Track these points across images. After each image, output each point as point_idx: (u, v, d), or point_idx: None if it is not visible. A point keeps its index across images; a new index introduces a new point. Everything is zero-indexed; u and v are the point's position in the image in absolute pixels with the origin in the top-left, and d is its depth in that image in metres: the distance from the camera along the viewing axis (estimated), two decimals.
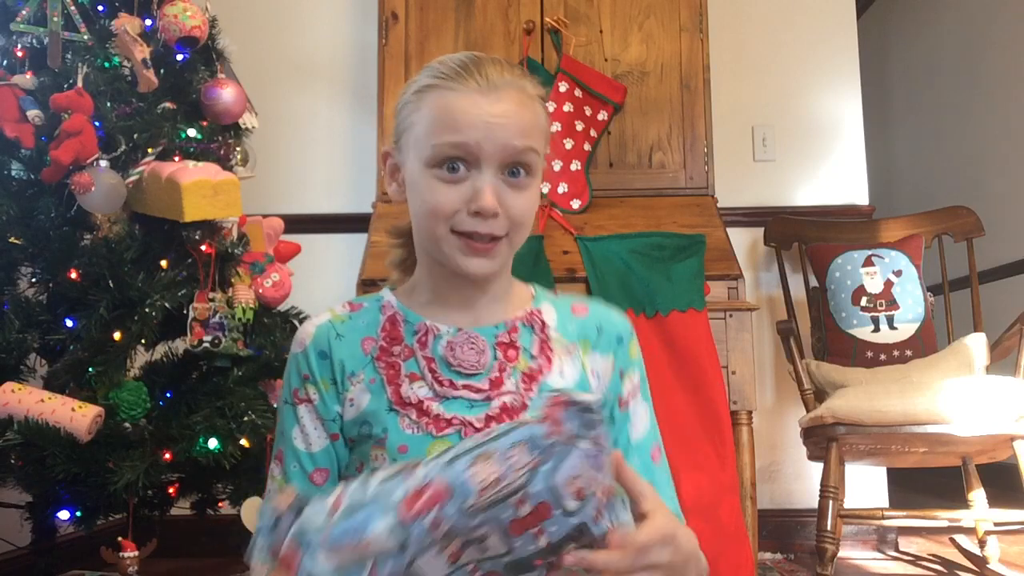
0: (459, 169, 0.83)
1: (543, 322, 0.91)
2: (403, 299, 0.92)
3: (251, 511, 1.67)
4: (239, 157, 2.06)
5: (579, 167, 2.36)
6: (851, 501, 2.48)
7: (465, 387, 0.85)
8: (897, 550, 2.60)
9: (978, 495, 2.25)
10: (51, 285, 1.70)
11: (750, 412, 2.08)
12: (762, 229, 2.66)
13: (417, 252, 0.93)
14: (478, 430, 0.82)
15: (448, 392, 0.84)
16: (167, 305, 1.63)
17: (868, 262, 2.42)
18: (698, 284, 2.09)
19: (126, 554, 1.63)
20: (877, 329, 2.36)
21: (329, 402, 0.87)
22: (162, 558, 1.96)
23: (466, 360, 0.86)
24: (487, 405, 0.84)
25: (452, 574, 0.67)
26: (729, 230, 2.31)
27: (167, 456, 1.56)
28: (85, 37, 1.78)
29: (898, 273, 2.40)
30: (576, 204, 2.33)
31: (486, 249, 0.84)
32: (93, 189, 1.59)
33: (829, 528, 2.01)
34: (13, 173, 1.69)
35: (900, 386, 2.03)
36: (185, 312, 1.69)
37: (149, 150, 1.72)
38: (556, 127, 2.36)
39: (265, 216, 2.05)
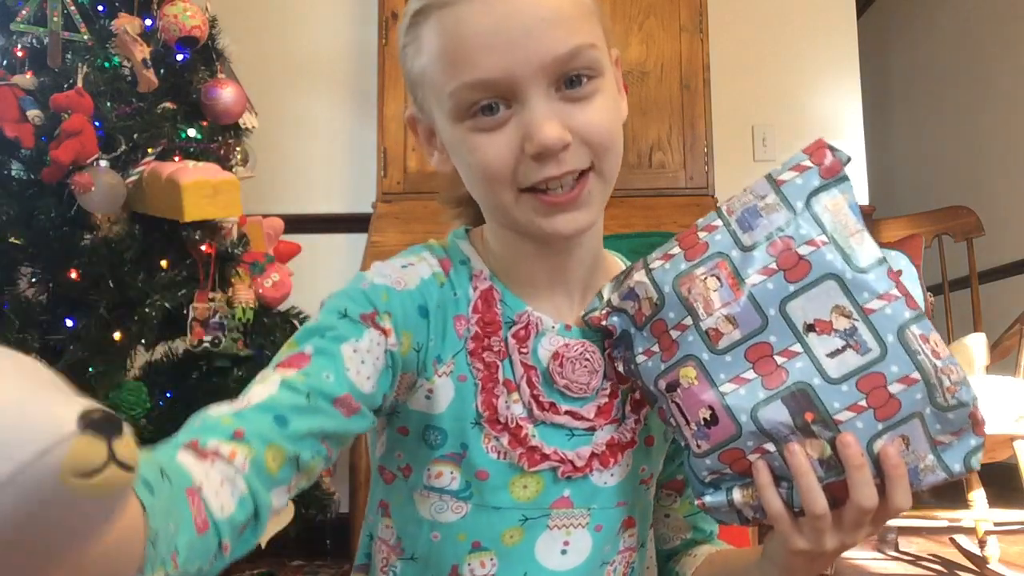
0: (498, 109, 0.60)
1: None
2: (492, 268, 0.70)
3: None
4: (239, 157, 2.06)
5: None
6: None
7: (568, 413, 0.67)
8: (897, 550, 2.59)
9: (978, 495, 2.24)
10: (51, 285, 1.70)
11: None
12: None
13: (487, 222, 0.71)
14: (577, 469, 0.66)
15: (547, 418, 0.66)
16: (167, 305, 1.64)
17: None
18: None
19: None
20: None
21: (399, 363, 0.64)
22: None
23: (576, 382, 0.67)
24: (590, 438, 0.67)
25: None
26: None
27: None
28: (85, 37, 1.78)
29: (898, 273, 2.39)
30: None
31: (570, 199, 0.62)
32: (93, 189, 1.59)
33: None
34: (13, 173, 1.69)
35: None
36: (185, 312, 1.69)
37: (149, 150, 1.72)
38: None
39: (265, 216, 2.05)
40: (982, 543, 2.26)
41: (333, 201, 2.81)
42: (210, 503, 0.48)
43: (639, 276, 0.64)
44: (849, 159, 0.61)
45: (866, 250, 0.59)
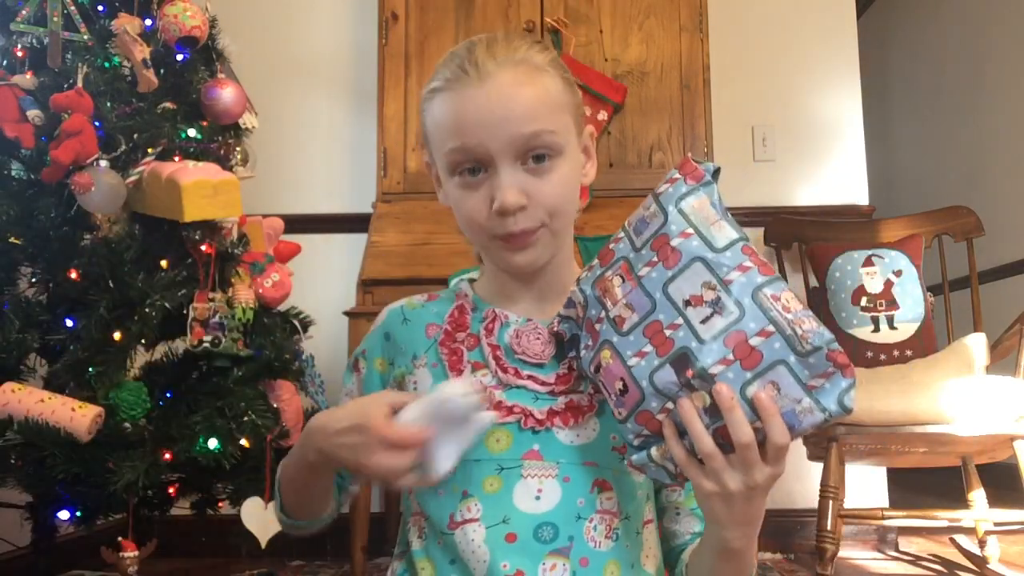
0: (478, 172, 0.81)
1: None
2: (477, 288, 0.91)
3: (251, 511, 1.67)
4: (239, 157, 2.06)
5: None
6: (851, 501, 2.48)
7: (530, 377, 0.83)
8: (897, 550, 2.60)
9: (978, 495, 2.24)
10: (51, 285, 1.70)
11: None
12: (762, 229, 2.66)
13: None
14: (539, 421, 0.80)
15: (511, 380, 0.82)
16: (167, 305, 1.63)
17: (868, 262, 2.42)
18: None
19: (126, 554, 1.63)
20: (877, 329, 2.36)
21: (373, 381, 0.89)
22: (162, 558, 1.97)
23: (530, 349, 0.84)
24: (553, 400, 0.82)
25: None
26: None
27: (167, 456, 1.56)
28: (85, 37, 1.78)
29: (898, 273, 2.40)
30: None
31: (523, 243, 0.81)
32: (93, 189, 1.59)
33: (829, 528, 2.01)
34: (13, 173, 1.69)
35: (900, 386, 2.03)
36: (185, 312, 1.69)
37: (149, 150, 1.72)
38: None
39: (265, 216, 2.05)
40: (982, 543, 2.26)
41: (333, 201, 2.81)
42: None
43: (573, 287, 0.80)
44: (718, 169, 0.74)
45: (724, 234, 0.71)
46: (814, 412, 0.67)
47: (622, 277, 0.74)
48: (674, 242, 0.71)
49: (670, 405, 0.70)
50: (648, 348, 0.71)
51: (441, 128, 0.81)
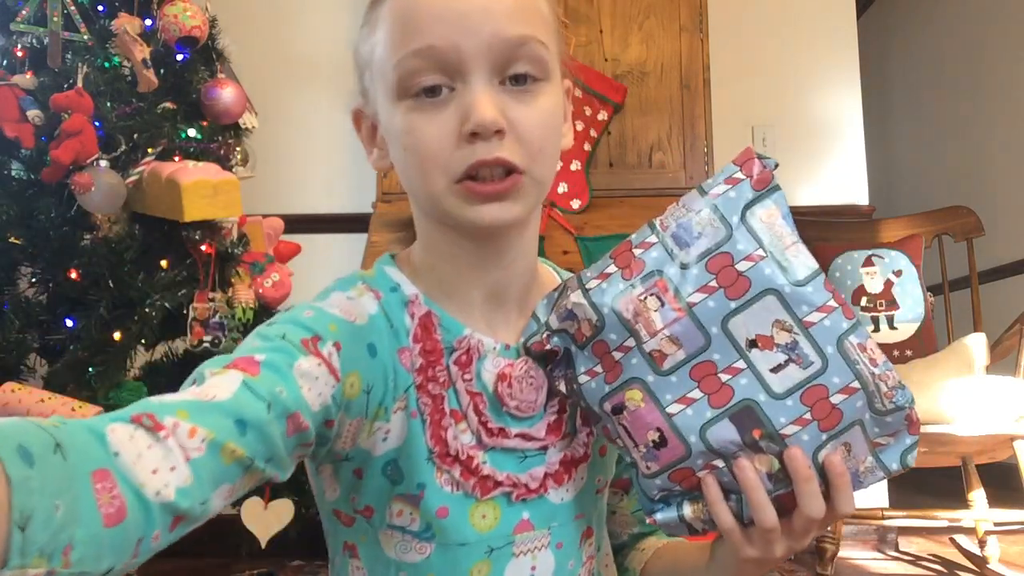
0: (440, 91, 0.59)
1: None
2: (425, 291, 0.67)
3: (251, 511, 1.67)
4: (239, 157, 2.06)
5: (579, 167, 2.36)
6: None
7: (519, 435, 0.66)
8: (897, 550, 2.59)
9: (978, 495, 2.24)
10: (51, 285, 1.70)
11: None
12: None
13: (420, 230, 0.69)
14: (531, 491, 0.65)
15: (498, 442, 0.65)
16: (167, 305, 1.64)
17: (868, 262, 2.42)
18: None
19: None
20: (877, 329, 2.36)
21: (344, 406, 0.60)
22: (162, 558, 1.97)
23: (525, 400, 0.65)
24: (543, 457, 0.66)
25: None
26: None
27: None
28: (85, 37, 1.78)
29: (898, 273, 2.40)
30: (576, 204, 2.33)
31: (498, 189, 0.60)
32: (93, 189, 1.59)
33: (829, 528, 2.01)
34: (13, 173, 1.69)
35: None
36: (185, 312, 1.69)
37: (149, 150, 1.72)
38: None
39: (265, 216, 2.05)
40: (982, 543, 2.26)
41: (333, 201, 2.81)
42: (145, 485, 0.44)
43: (576, 297, 0.62)
44: (777, 165, 0.61)
45: (802, 262, 0.59)
46: (875, 472, 0.59)
47: (659, 299, 0.59)
48: (740, 266, 0.58)
49: (718, 463, 0.59)
50: (696, 394, 0.58)
51: (392, 35, 0.60)
